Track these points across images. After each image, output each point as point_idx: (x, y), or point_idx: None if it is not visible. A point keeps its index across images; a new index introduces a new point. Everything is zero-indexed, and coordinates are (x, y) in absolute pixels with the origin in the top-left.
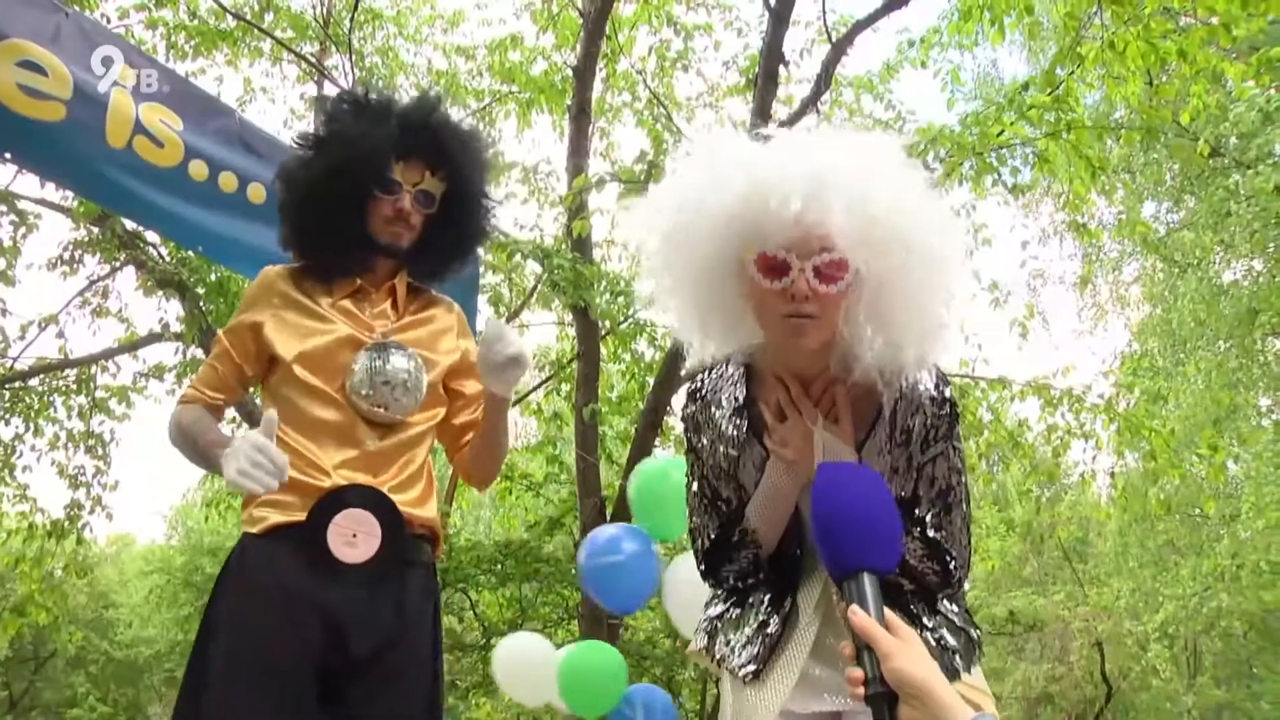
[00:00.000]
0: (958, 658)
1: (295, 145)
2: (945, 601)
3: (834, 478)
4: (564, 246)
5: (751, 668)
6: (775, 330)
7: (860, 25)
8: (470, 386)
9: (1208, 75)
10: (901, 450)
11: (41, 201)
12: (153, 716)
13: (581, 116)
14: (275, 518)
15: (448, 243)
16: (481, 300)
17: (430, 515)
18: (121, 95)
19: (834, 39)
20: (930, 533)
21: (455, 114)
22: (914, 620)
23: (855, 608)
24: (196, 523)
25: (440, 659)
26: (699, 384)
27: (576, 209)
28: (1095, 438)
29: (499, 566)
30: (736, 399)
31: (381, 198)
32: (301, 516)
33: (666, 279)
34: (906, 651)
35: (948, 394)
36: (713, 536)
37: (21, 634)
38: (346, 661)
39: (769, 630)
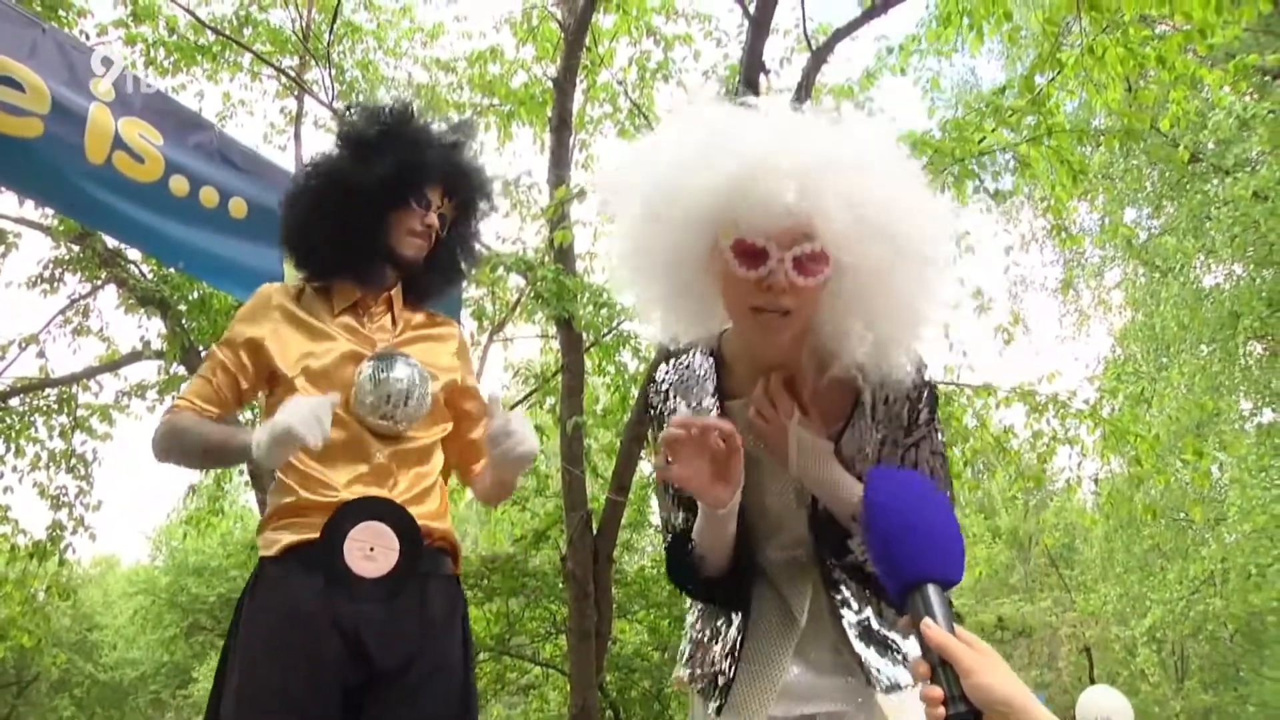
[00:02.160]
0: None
1: (339, 145)
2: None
3: (888, 484)
4: (546, 259)
5: (715, 703)
6: (744, 323)
7: (840, 34)
8: (475, 407)
9: (1186, 81)
10: (881, 438)
11: (21, 220)
12: None
13: (562, 128)
14: (289, 538)
15: (446, 265)
16: (465, 314)
17: (447, 528)
18: (100, 110)
19: (814, 47)
20: None
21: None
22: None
23: (928, 621)
24: (180, 543)
25: (471, 671)
26: (664, 375)
27: (558, 220)
28: (1080, 444)
29: (485, 581)
30: (707, 394)
31: (414, 210)
32: (315, 535)
33: (637, 253)
34: (989, 667)
35: (927, 377)
36: (678, 528)
37: (3, 658)
38: (371, 676)
39: (725, 661)
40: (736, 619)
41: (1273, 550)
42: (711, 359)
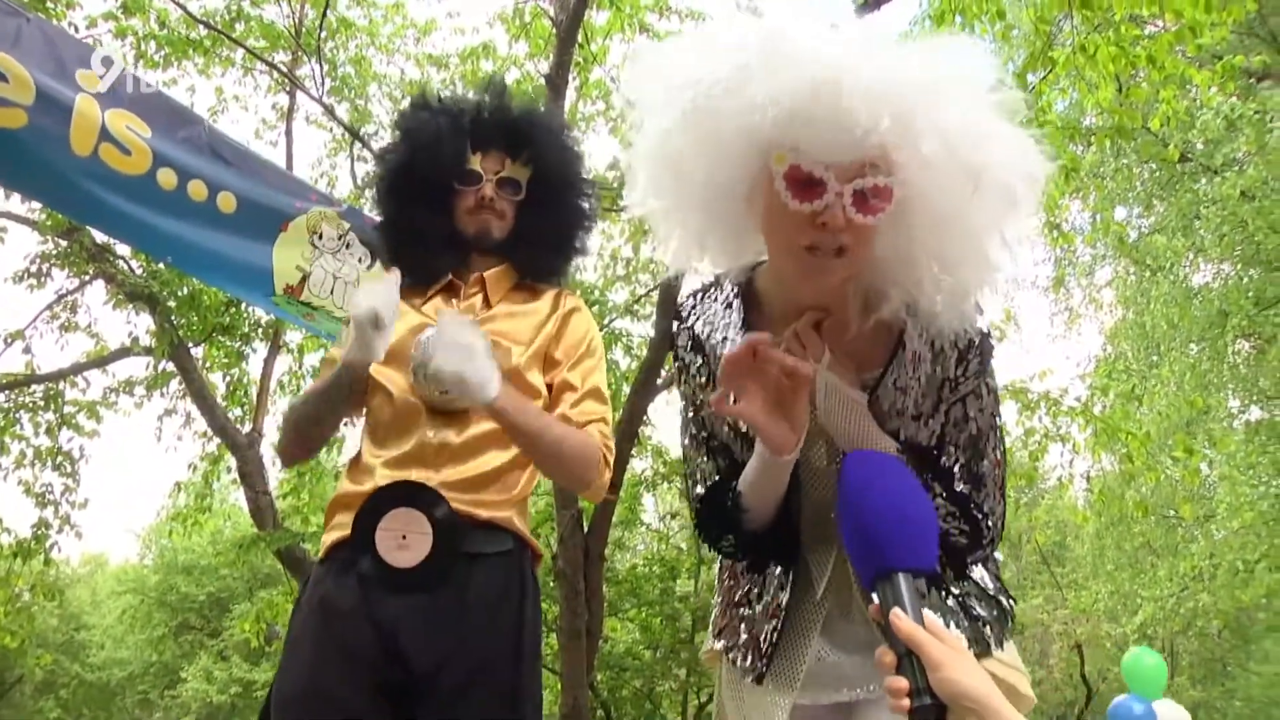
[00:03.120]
0: (988, 630)
1: (380, 157)
2: (975, 566)
3: (863, 469)
4: None
5: (749, 664)
6: (790, 261)
7: None
8: (556, 378)
9: (1176, 81)
10: (925, 391)
11: (8, 214)
12: None
13: None
14: (331, 537)
15: (544, 229)
16: None
17: (503, 515)
18: (86, 101)
19: None
20: (958, 485)
21: (530, 101)
22: (937, 585)
23: (898, 611)
24: (170, 541)
25: (526, 661)
26: (688, 309)
27: None
28: (1072, 441)
29: None
30: (733, 331)
31: (463, 190)
32: (349, 531)
33: (665, 170)
34: (958, 661)
35: (982, 326)
36: (704, 490)
37: None
38: (410, 676)
39: (770, 623)
40: (781, 576)
41: (1260, 546)
42: (740, 297)
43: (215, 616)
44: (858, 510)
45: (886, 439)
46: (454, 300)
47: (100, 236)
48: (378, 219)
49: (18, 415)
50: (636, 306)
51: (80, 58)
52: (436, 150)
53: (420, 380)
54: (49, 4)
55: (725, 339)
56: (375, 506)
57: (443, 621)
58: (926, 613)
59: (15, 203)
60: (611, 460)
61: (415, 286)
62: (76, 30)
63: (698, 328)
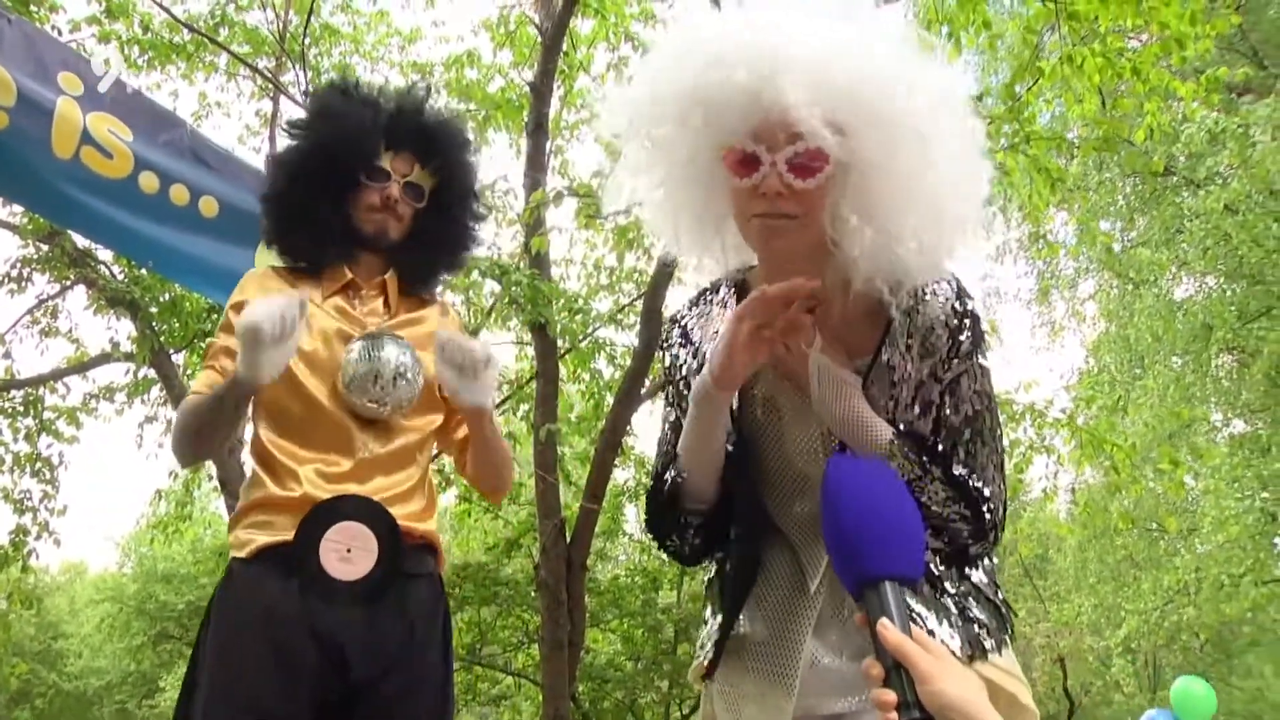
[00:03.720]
0: (984, 634)
1: (286, 131)
2: (974, 569)
3: (845, 473)
4: (521, 264)
5: (719, 679)
6: (751, 235)
7: None
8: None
9: (1160, 93)
10: (917, 372)
11: None
12: None
13: (539, 133)
14: (262, 539)
15: (437, 239)
16: None
17: (430, 529)
18: (68, 104)
19: None
20: (956, 469)
21: (447, 110)
22: (934, 584)
23: (885, 622)
24: (149, 549)
25: (451, 677)
26: (684, 310)
27: (534, 225)
28: (1057, 453)
29: (457, 590)
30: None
31: (368, 185)
32: (290, 536)
33: (642, 179)
34: (945, 673)
35: (969, 306)
36: (652, 479)
37: None
38: (348, 688)
39: (713, 619)
40: (728, 571)
41: (1246, 561)
42: (733, 292)
43: (194, 625)
44: (841, 516)
45: (881, 423)
46: (355, 301)
47: (82, 241)
48: (267, 191)
49: None
50: (620, 316)
51: (62, 60)
52: (351, 140)
53: (356, 390)
54: (32, 7)
55: (716, 331)
56: (322, 516)
57: (384, 635)
58: (913, 628)
59: None
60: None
61: (304, 277)
62: (60, 33)
63: (689, 323)
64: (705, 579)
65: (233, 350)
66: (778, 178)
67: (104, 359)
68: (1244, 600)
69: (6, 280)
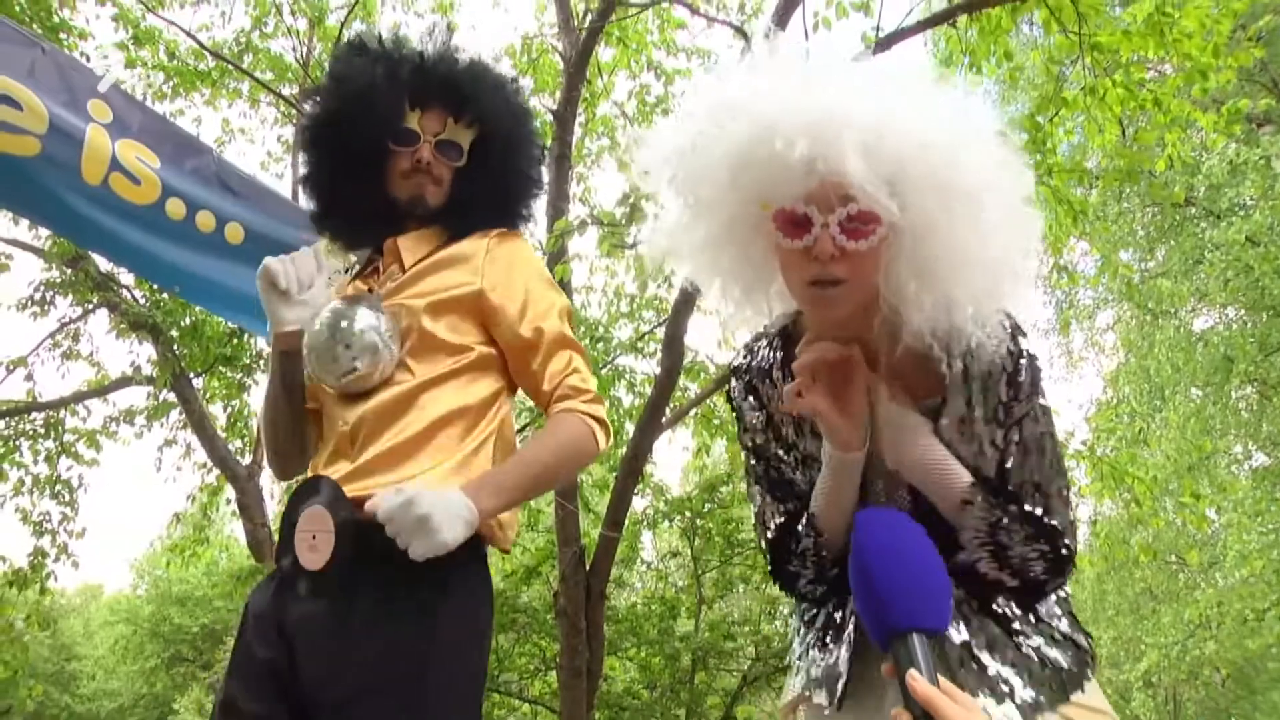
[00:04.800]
0: (1062, 677)
1: (311, 98)
2: (1044, 604)
3: (874, 529)
4: None
5: (825, 692)
6: (803, 299)
7: None
8: (507, 333)
9: (1181, 124)
10: (982, 419)
11: (13, 242)
12: None
13: (562, 160)
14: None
15: (484, 197)
16: None
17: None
18: (97, 131)
19: None
20: (1030, 507)
21: (478, 55)
22: (1011, 633)
23: (914, 673)
24: (165, 572)
25: (429, 682)
26: (741, 361)
27: (558, 254)
28: (1077, 485)
29: None
30: (776, 371)
31: (398, 150)
32: None
33: (680, 240)
34: None
35: (1025, 347)
36: (778, 522)
37: None
38: (301, 689)
39: (842, 649)
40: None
41: (1270, 595)
42: (780, 340)
43: (208, 648)
44: (869, 569)
45: (959, 466)
46: (371, 278)
47: (104, 265)
48: (303, 175)
49: (17, 442)
50: (641, 343)
51: (91, 88)
52: (370, 104)
53: (316, 363)
54: (62, 35)
55: (770, 380)
56: (294, 506)
57: (331, 631)
58: (940, 679)
59: (22, 230)
60: (605, 425)
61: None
62: (88, 60)
63: (753, 380)
64: (804, 609)
65: None
66: (830, 240)
67: (124, 382)
68: (1268, 636)
69: (30, 303)
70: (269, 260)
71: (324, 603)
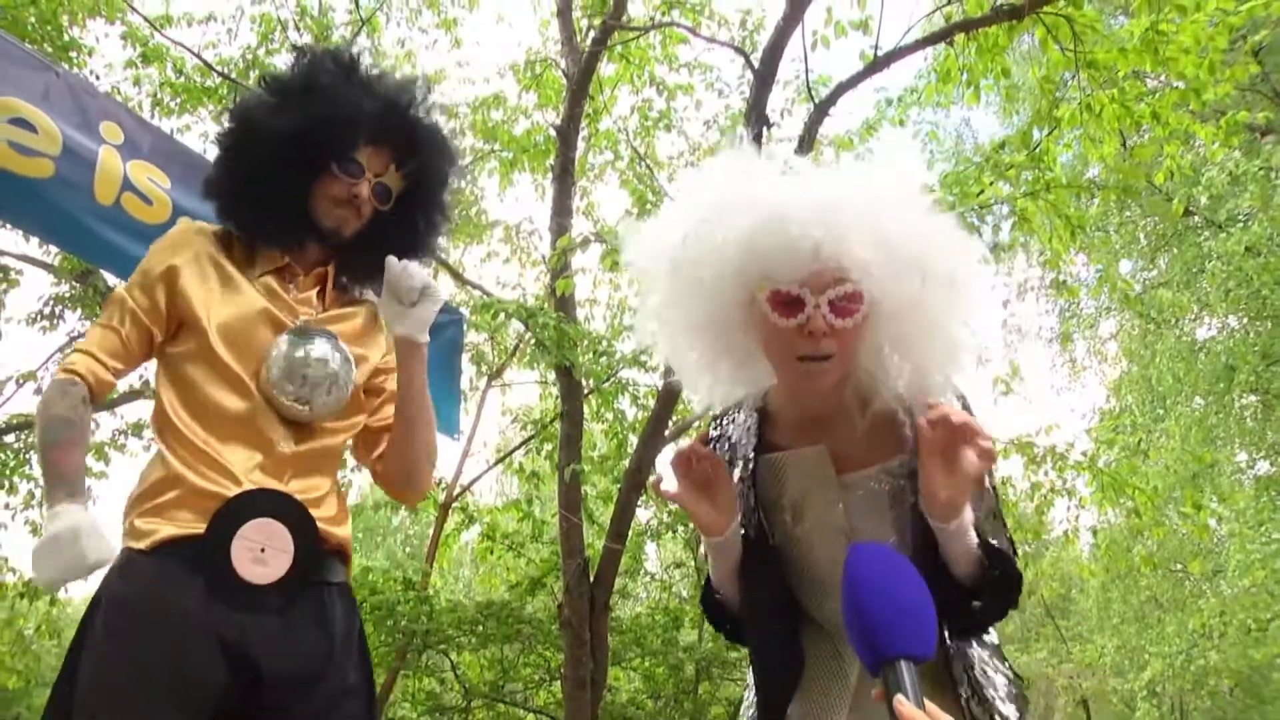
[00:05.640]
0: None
1: (262, 85)
2: (977, 646)
3: (866, 561)
4: (547, 306)
5: None
6: (789, 373)
7: (843, 87)
8: (392, 383)
9: (1180, 136)
10: None
11: (23, 257)
12: None
13: (565, 176)
14: (167, 530)
15: (391, 245)
16: (465, 359)
17: (346, 535)
18: (109, 153)
19: (815, 98)
20: (994, 541)
21: (439, 116)
22: (1001, 657)
23: (900, 698)
24: None
25: (374, 691)
26: (716, 432)
27: (560, 269)
28: (1078, 495)
29: (480, 627)
30: (748, 449)
31: (338, 177)
32: (200, 529)
33: (672, 321)
34: None
35: (965, 404)
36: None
37: None
38: (259, 700)
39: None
40: (773, 663)
41: (1274, 605)
42: (755, 415)
43: None
44: (860, 599)
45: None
46: (290, 286)
47: (113, 280)
48: (225, 144)
49: (27, 455)
50: (644, 357)
51: (104, 110)
52: (333, 125)
53: (280, 385)
54: (71, 53)
55: (743, 456)
56: (236, 511)
57: (305, 643)
58: (926, 703)
59: (32, 246)
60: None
61: (244, 256)
62: (97, 77)
63: (731, 431)
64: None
65: (140, 315)
66: (821, 319)
67: (132, 396)
68: (1273, 645)
69: (39, 318)
70: (53, 575)
71: (278, 616)
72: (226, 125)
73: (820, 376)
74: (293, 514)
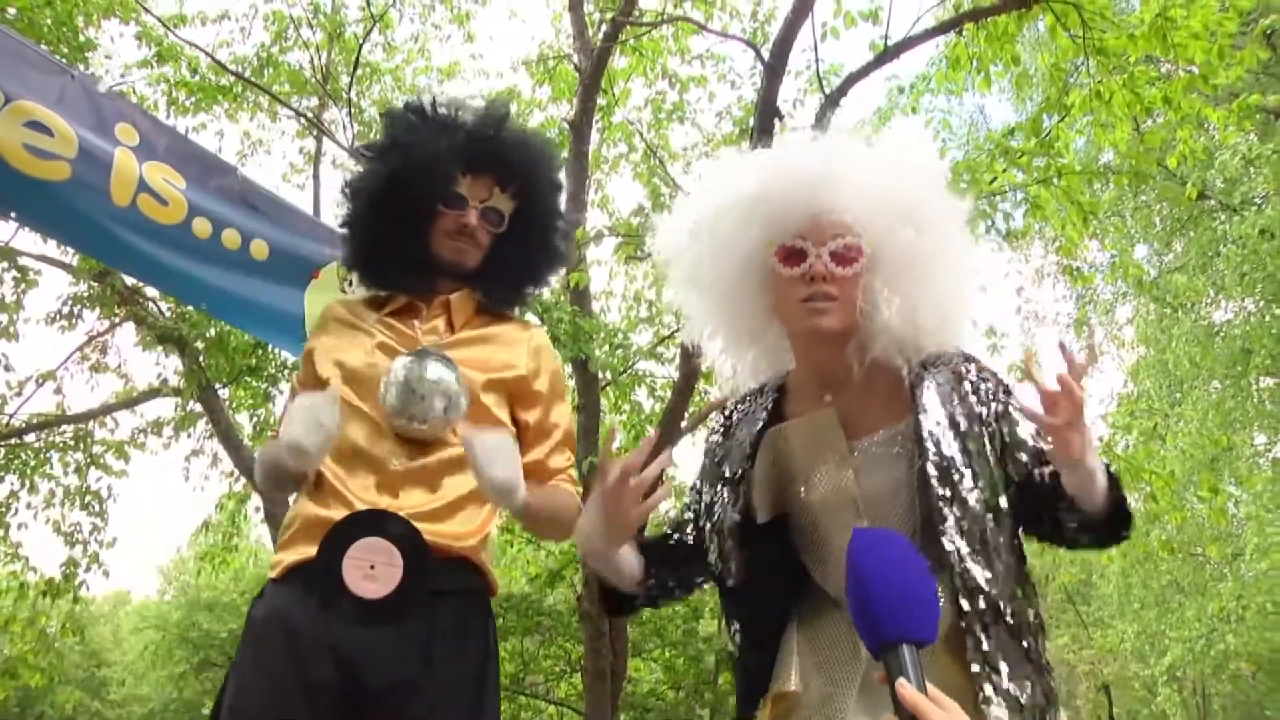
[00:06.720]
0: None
1: (362, 155)
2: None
3: (866, 546)
4: (562, 299)
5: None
6: (796, 318)
7: (854, 77)
8: (535, 417)
9: (1192, 121)
10: (970, 427)
11: (41, 257)
12: None
13: (579, 169)
14: (291, 558)
15: (518, 264)
16: None
17: (471, 543)
18: (125, 155)
19: (825, 88)
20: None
21: (526, 128)
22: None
23: (902, 681)
24: (193, 579)
25: (486, 696)
26: (730, 405)
27: (575, 262)
28: None
29: (500, 620)
30: (763, 417)
31: (446, 212)
32: (313, 553)
33: (695, 284)
34: None
35: (963, 349)
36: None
37: (5, 698)
38: (365, 707)
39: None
40: (744, 666)
41: None
42: (775, 394)
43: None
44: (863, 583)
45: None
46: (415, 321)
47: (131, 279)
48: (345, 219)
49: (48, 455)
50: (660, 349)
51: (119, 111)
52: (426, 168)
53: (394, 406)
54: (87, 54)
55: (755, 427)
56: (344, 532)
57: (403, 654)
58: (929, 686)
59: (50, 246)
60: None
61: (371, 302)
62: (114, 77)
63: (735, 417)
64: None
65: (301, 384)
66: (823, 265)
67: (152, 394)
68: None
69: (58, 317)
70: (294, 435)
71: (387, 629)
72: (345, 198)
73: (824, 315)
74: (399, 531)
